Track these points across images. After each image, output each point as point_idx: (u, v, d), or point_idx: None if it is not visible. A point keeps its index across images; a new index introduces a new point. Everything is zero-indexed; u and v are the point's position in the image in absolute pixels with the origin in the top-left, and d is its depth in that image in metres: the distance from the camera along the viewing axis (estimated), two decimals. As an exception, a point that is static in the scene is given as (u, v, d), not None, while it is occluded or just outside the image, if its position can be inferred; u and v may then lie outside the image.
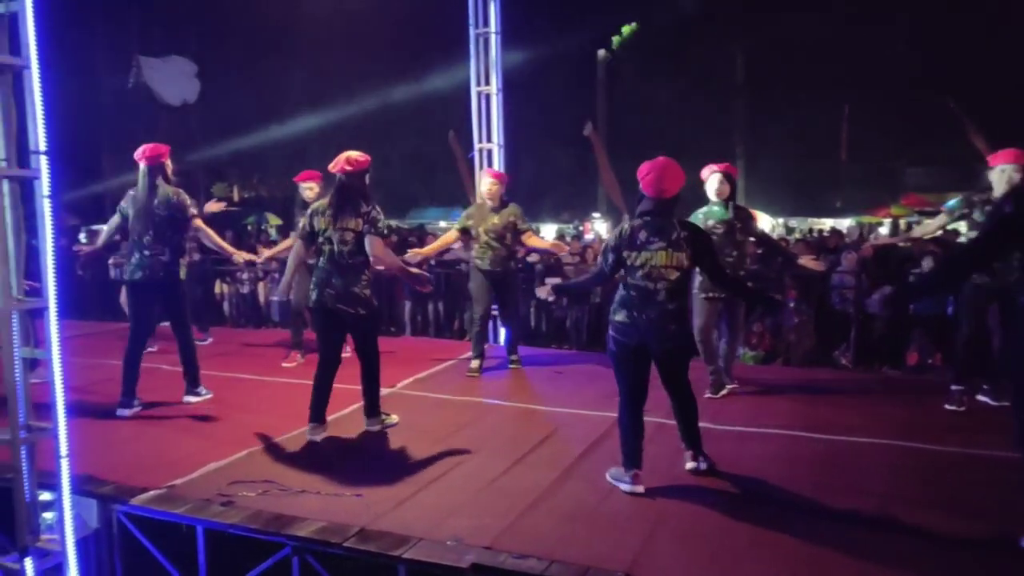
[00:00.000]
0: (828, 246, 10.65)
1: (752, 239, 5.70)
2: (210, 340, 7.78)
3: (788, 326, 8.06)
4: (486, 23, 7.64)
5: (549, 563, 3.03)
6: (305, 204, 6.63)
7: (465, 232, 6.37)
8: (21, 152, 3.44)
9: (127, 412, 5.12)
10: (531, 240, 6.35)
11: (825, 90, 21.51)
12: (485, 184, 6.31)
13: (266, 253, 6.78)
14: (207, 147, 18.73)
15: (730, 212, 5.47)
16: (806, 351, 7.96)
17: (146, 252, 5.17)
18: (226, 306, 10.97)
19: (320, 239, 4.60)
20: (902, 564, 3.06)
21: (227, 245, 5.95)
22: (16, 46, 3.35)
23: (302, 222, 4.76)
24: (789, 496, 3.75)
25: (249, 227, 18.11)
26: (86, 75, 15.61)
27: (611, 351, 3.93)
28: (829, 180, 24.78)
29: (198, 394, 5.46)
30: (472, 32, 7.65)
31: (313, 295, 4.64)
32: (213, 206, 6.66)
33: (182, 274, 5.31)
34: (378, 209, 4.60)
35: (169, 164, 5.33)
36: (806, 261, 5.67)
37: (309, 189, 6.65)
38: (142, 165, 5.24)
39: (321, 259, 4.64)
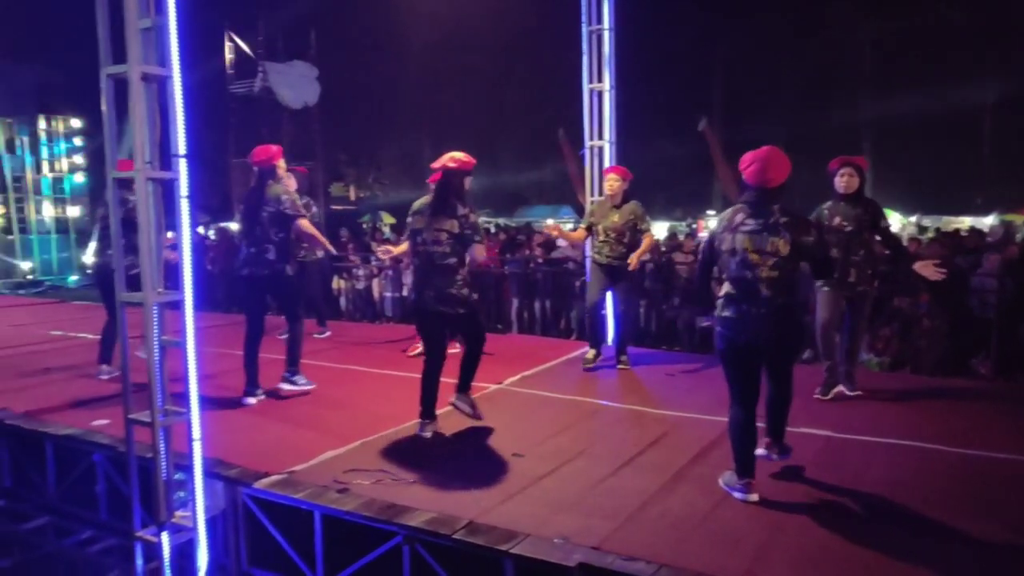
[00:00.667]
0: (966, 246, 9.91)
1: (879, 237, 5.35)
2: (328, 333, 8.09)
3: (919, 331, 7.54)
4: (599, 20, 7.59)
5: (658, 567, 2.96)
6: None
7: (590, 230, 6.38)
8: (162, 156, 3.70)
9: (251, 401, 5.38)
10: (646, 240, 6.26)
11: (963, 78, 20.05)
12: (607, 180, 6.31)
13: (395, 250, 6.90)
14: (326, 149, 19.55)
15: (860, 208, 5.18)
16: (938, 359, 7.42)
17: (252, 249, 5.34)
18: (343, 301, 11.40)
19: (418, 239, 4.61)
20: None
21: (325, 241, 6.12)
22: (161, 57, 3.58)
23: (388, 216, 4.91)
24: (918, 514, 3.50)
25: (364, 226, 18.75)
26: (214, 82, 16.62)
27: (719, 350, 3.77)
28: (969, 175, 23.11)
29: (294, 383, 5.61)
30: (585, 29, 7.61)
31: (413, 297, 4.72)
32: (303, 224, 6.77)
33: (289, 270, 5.44)
34: (476, 212, 4.62)
35: (281, 165, 5.51)
36: (922, 266, 5.10)
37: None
38: (255, 167, 5.50)
39: (416, 259, 4.68)
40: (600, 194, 7.42)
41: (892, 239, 5.43)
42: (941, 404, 5.32)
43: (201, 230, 13.61)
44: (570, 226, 20.49)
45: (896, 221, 19.54)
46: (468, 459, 4.31)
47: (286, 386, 5.61)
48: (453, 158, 4.60)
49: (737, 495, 3.65)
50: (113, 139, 3.67)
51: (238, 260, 5.49)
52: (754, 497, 3.61)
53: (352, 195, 24.52)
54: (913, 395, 5.54)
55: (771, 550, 3.16)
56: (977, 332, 7.40)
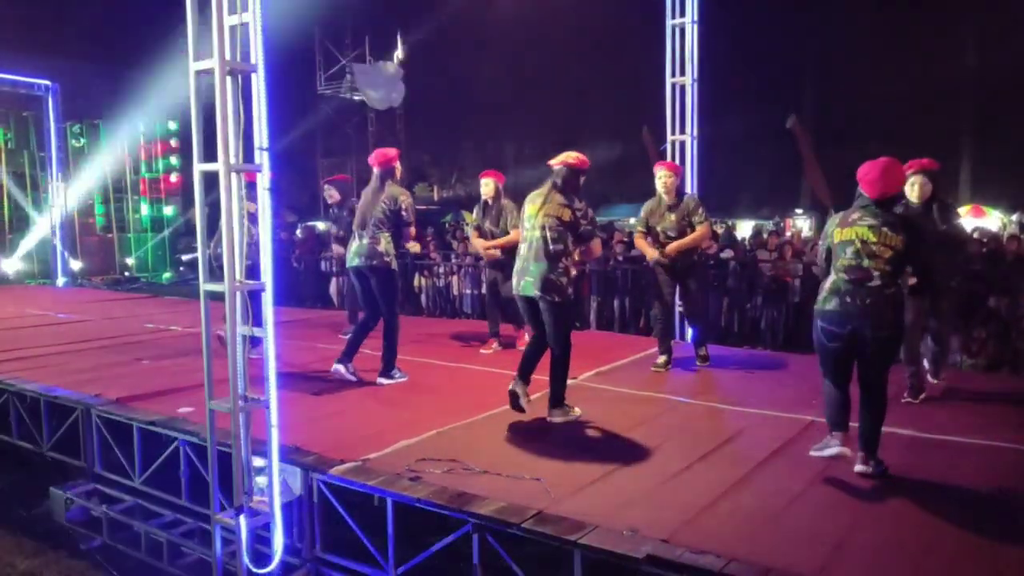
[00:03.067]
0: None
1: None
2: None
3: (1017, 332, 7.12)
4: (683, 13, 7.48)
5: (727, 561, 2.89)
6: (483, 202, 6.84)
7: (649, 231, 6.20)
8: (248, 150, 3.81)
9: (340, 368, 5.74)
10: (697, 230, 6.01)
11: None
12: (659, 177, 6.07)
13: (495, 244, 6.89)
14: (410, 149, 19.91)
15: (934, 214, 4.93)
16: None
17: (364, 240, 5.65)
18: (423, 298, 11.58)
19: (527, 224, 4.78)
20: None
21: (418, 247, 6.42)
22: (246, 52, 3.70)
23: (471, 216, 4.99)
24: (1008, 518, 3.32)
25: (447, 224, 19.00)
26: (304, 83, 17.16)
27: (819, 342, 3.81)
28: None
29: (391, 377, 5.78)
30: (668, 22, 7.52)
31: (513, 281, 4.87)
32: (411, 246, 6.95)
33: (394, 264, 5.72)
34: (588, 208, 4.78)
35: (399, 167, 5.83)
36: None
37: (486, 185, 6.83)
38: (376, 169, 5.76)
39: (523, 246, 4.81)
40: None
41: (949, 230, 5.01)
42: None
43: (299, 232, 14.04)
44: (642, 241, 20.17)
45: (996, 219, 18.46)
46: (540, 452, 4.30)
47: (385, 380, 5.76)
48: (573, 156, 4.79)
49: (829, 451, 3.76)
50: (200, 132, 3.80)
51: (348, 252, 5.80)
52: (848, 451, 3.73)
53: (435, 195, 24.89)
54: (1009, 396, 5.29)
55: (847, 548, 3.06)
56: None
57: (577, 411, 4.88)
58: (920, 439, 4.38)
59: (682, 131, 7.58)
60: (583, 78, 23.81)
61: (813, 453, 3.83)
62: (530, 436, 4.58)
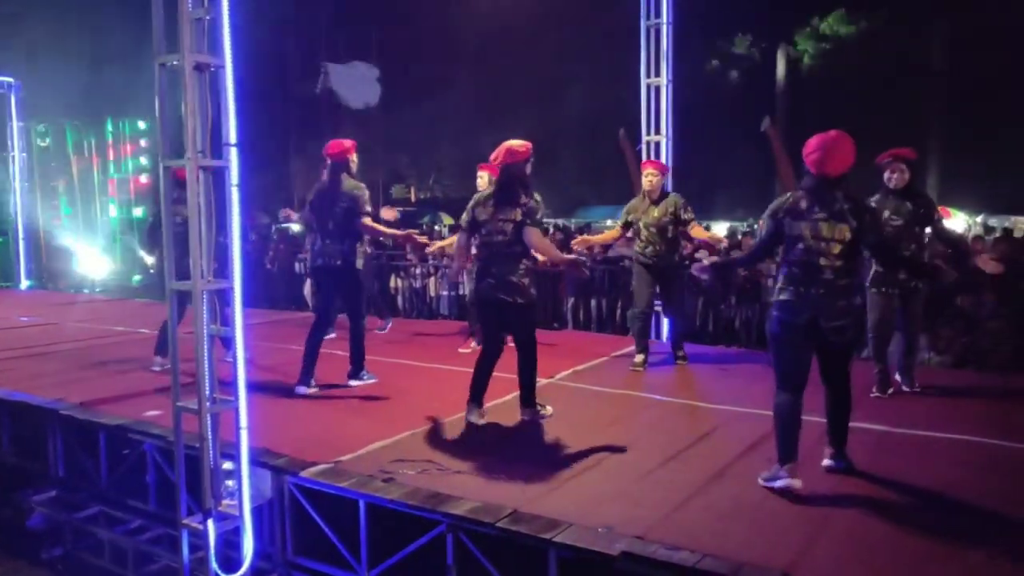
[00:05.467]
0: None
1: (928, 232, 5.21)
2: (390, 326, 8.12)
3: (983, 330, 7.25)
4: (657, 14, 7.51)
5: (701, 556, 2.91)
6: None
7: (628, 227, 6.24)
8: (214, 145, 3.74)
9: (304, 390, 5.43)
10: (695, 231, 6.11)
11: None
12: (645, 175, 6.15)
13: (435, 245, 6.97)
14: (387, 150, 19.80)
15: (910, 202, 5.03)
16: (1004, 358, 7.14)
17: (327, 240, 5.45)
18: (399, 299, 11.50)
19: (483, 230, 4.68)
20: None
21: (391, 230, 6.14)
22: (214, 47, 3.63)
23: (464, 214, 4.85)
24: (974, 509, 3.38)
25: (424, 226, 18.94)
26: (277, 82, 16.99)
27: (773, 332, 3.68)
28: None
29: (361, 378, 5.68)
30: (643, 23, 7.55)
31: (472, 285, 4.75)
32: (387, 213, 6.93)
33: (359, 264, 5.54)
34: (538, 199, 4.60)
35: (354, 159, 5.59)
36: (983, 261, 4.98)
37: (481, 178, 6.77)
38: (329, 160, 5.56)
39: (482, 250, 4.72)
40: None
41: (949, 235, 5.33)
42: (1004, 401, 5.16)
43: (274, 235, 13.88)
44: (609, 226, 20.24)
45: (962, 221, 18.81)
46: (514, 450, 4.29)
47: (355, 383, 5.66)
48: (510, 149, 4.60)
49: (779, 483, 3.54)
50: (166, 129, 3.73)
51: (311, 252, 5.61)
52: (797, 483, 3.50)
53: (413, 196, 24.80)
54: (975, 392, 5.39)
55: (817, 542, 3.09)
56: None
57: (549, 409, 4.85)
58: (890, 434, 4.43)
59: (657, 132, 7.61)
60: (560, 79, 23.86)
61: (762, 483, 3.64)
62: (505, 435, 4.55)
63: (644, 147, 7.70)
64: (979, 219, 20.39)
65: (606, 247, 10.71)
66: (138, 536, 4.48)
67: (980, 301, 7.42)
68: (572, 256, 4.91)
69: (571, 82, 23.80)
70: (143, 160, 17.61)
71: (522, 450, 4.30)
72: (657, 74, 7.57)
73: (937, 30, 21.86)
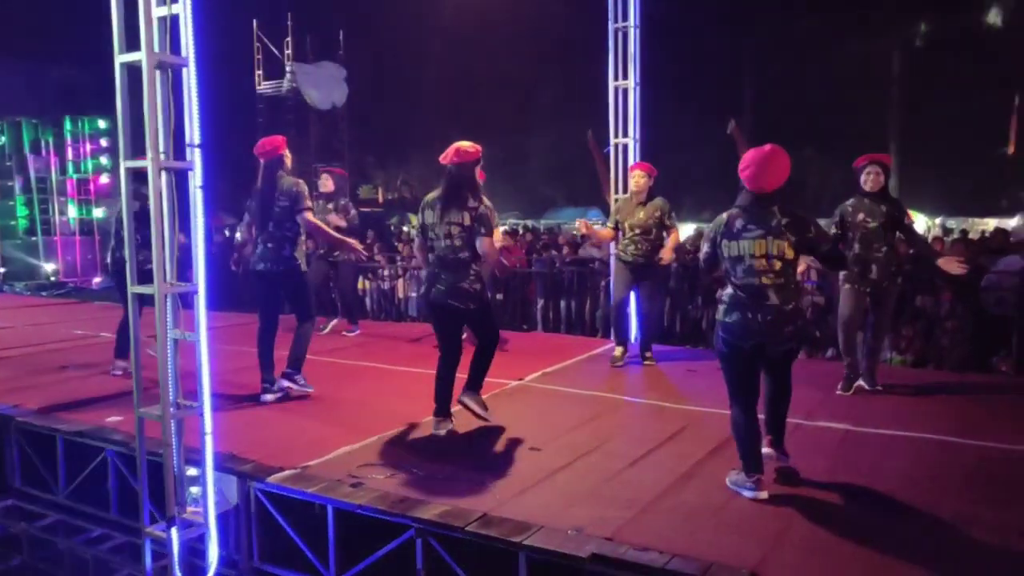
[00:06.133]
0: (990, 247, 9.72)
1: (901, 235, 5.32)
2: (358, 331, 8.06)
3: (942, 330, 7.45)
4: (625, 17, 7.54)
5: (670, 557, 2.93)
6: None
7: (616, 227, 6.30)
8: (178, 146, 3.67)
9: (270, 397, 5.32)
10: (669, 240, 6.17)
11: (991, 82, 19.83)
12: (633, 177, 6.25)
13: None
14: (354, 151, 19.60)
15: (884, 205, 5.16)
16: (961, 357, 7.34)
17: (269, 244, 5.23)
18: (368, 301, 11.42)
19: (430, 234, 4.51)
20: None
21: (333, 233, 5.97)
22: (176, 46, 3.56)
23: (416, 216, 4.74)
24: (934, 505, 3.45)
25: (392, 227, 18.81)
26: (243, 82, 16.74)
27: (721, 352, 3.68)
28: (993, 177, 22.72)
29: (295, 381, 5.41)
30: (611, 26, 7.58)
31: (423, 290, 4.61)
32: (335, 219, 6.82)
33: (303, 265, 5.37)
34: (488, 204, 4.46)
35: (288, 155, 5.37)
36: (945, 262, 5.07)
37: None
38: (262, 160, 5.33)
39: (430, 254, 4.56)
40: (625, 191, 7.36)
41: (916, 238, 5.43)
42: (961, 399, 5.28)
43: (240, 236, 13.65)
44: (598, 226, 20.27)
45: (921, 223, 19.24)
46: (484, 454, 4.27)
47: (284, 382, 5.41)
48: (459, 150, 4.44)
49: (746, 493, 3.55)
50: (127, 129, 3.65)
51: (253, 256, 5.40)
52: (763, 495, 3.52)
53: (380, 197, 24.60)
54: (934, 390, 5.51)
55: (785, 540, 3.12)
56: (999, 331, 7.35)
57: (491, 416, 4.68)
58: (853, 433, 4.50)
59: (624, 134, 7.64)
60: (528, 80, 23.92)
61: (729, 485, 3.64)
62: (474, 439, 4.53)
63: (612, 149, 7.74)
64: (938, 221, 20.88)
65: (577, 247, 10.79)
66: (99, 545, 4.38)
67: (939, 301, 7.60)
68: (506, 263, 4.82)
69: (540, 83, 23.89)
70: (104, 160, 17.22)
71: (492, 453, 4.28)
72: (625, 76, 7.60)
73: (896, 36, 22.33)
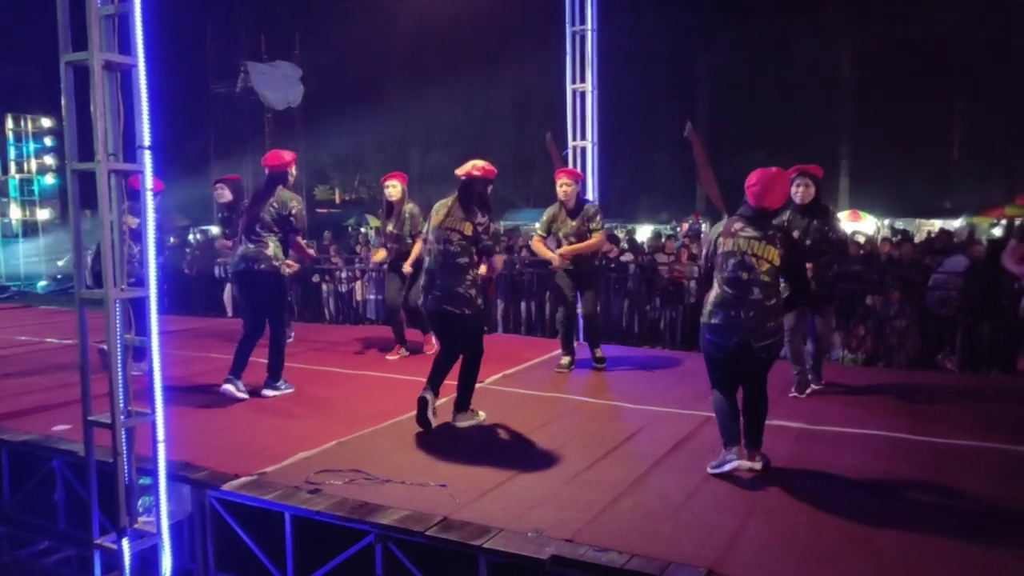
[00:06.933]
0: (934, 247, 10.06)
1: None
2: (291, 337, 7.90)
3: (891, 329, 7.68)
4: (582, 20, 7.59)
5: (630, 557, 2.96)
6: (388, 203, 6.72)
7: (549, 235, 6.27)
8: (127, 148, 3.58)
9: (229, 388, 5.31)
10: (594, 238, 6.07)
11: (936, 87, 20.50)
12: (560, 184, 6.14)
13: (378, 255, 6.85)
14: (311, 150, 19.34)
15: (814, 218, 5.13)
16: (909, 355, 7.57)
17: (251, 244, 5.34)
18: (329, 303, 11.30)
19: (430, 237, 4.70)
20: (1005, 573, 2.89)
21: (311, 251, 6.28)
22: (125, 45, 3.48)
23: (423, 224, 4.91)
24: (884, 498, 3.58)
25: (350, 228, 18.64)
26: (196, 82, 16.44)
27: (705, 351, 3.94)
28: (939, 180, 23.47)
29: (277, 388, 5.51)
30: (568, 29, 7.63)
31: (422, 298, 4.77)
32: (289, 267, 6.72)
33: (283, 269, 5.43)
34: (494, 222, 4.67)
35: (293, 172, 5.54)
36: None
37: (392, 187, 6.70)
38: (267, 171, 5.47)
39: (428, 259, 4.72)
40: (584, 194, 7.39)
41: (836, 237, 5.27)
42: (910, 396, 5.45)
43: (193, 238, 13.38)
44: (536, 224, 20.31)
45: (871, 223, 19.77)
46: (444, 457, 4.24)
47: (270, 392, 5.48)
48: (477, 166, 4.68)
49: (727, 467, 3.78)
50: (73, 131, 3.55)
51: (234, 256, 5.47)
52: (745, 464, 3.79)
53: (337, 197, 24.36)
54: (883, 389, 5.66)
55: (742, 538, 3.18)
56: (944, 330, 7.63)
57: (482, 415, 4.84)
58: (807, 431, 4.61)
59: (583, 137, 7.69)
60: (488, 82, 23.90)
61: (711, 471, 3.83)
62: (434, 442, 4.51)
63: (570, 151, 7.79)
64: (887, 222, 21.44)
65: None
66: (46, 558, 4.26)
67: (888, 301, 7.81)
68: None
69: (499, 85, 23.89)
70: (49, 160, 16.71)
71: (451, 456, 4.26)
72: (583, 79, 7.65)
73: (846, 41, 22.88)
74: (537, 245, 6.33)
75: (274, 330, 5.50)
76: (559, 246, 6.19)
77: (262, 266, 5.32)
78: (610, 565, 2.91)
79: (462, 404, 4.77)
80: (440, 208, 4.72)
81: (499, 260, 4.66)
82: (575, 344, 6.49)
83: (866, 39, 22.09)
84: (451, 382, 4.79)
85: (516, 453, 4.23)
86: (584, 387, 5.82)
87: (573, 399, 5.46)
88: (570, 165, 7.67)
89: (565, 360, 6.29)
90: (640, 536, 3.15)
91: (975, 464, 4.04)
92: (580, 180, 6.25)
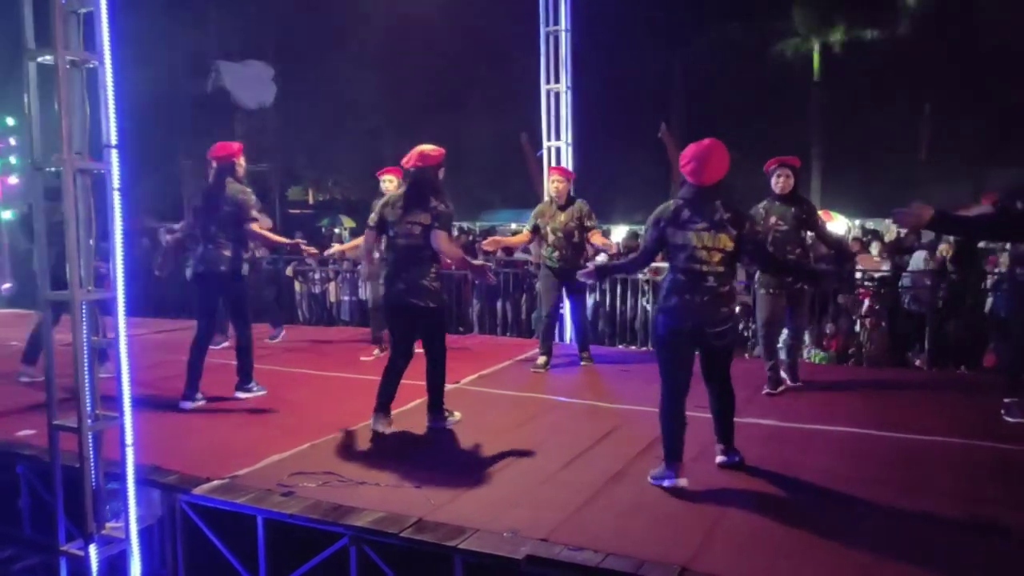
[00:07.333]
0: (903, 247, 10.23)
1: (812, 235, 5.53)
2: (283, 334, 7.88)
3: (861, 327, 7.80)
4: (556, 21, 7.61)
5: (604, 556, 2.97)
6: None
7: (536, 231, 6.32)
8: (93, 147, 3.53)
9: (189, 405, 5.18)
10: (594, 237, 6.22)
11: (905, 90, 20.84)
12: (551, 181, 6.28)
13: (335, 248, 6.86)
14: (284, 151, 19.16)
15: (795, 207, 5.32)
16: (879, 353, 7.69)
17: (210, 245, 5.24)
18: (302, 304, 11.19)
19: (391, 232, 4.62)
20: (970, 564, 2.95)
21: (279, 238, 6.04)
22: (91, 43, 3.42)
23: (373, 213, 4.79)
24: (854, 494, 3.62)
25: (323, 229, 18.49)
26: (166, 80, 16.17)
27: (659, 336, 3.84)
28: (907, 181, 23.87)
29: (249, 390, 5.45)
30: (543, 30, 7.65)
31: (382, 290, 4.69)
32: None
33: (244, 270, 5.35)
34: (448, 204, 4.58)
35: (241, 163, 5.41)
36: (864, 260, 5.43)
37: (389, 182, 6.66)
38: (214, 163, 5.35)
39: (391, 253, 4.66)
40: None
41: (828, 236, 5.68)
42: (879, 393, 5.54)
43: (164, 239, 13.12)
44: (514, 226, 20.31)
45: (842, 224, 20.04)
46: (419, 459, 4.23)
47: (242, 395, 5.42)
48: (421, 153, 4.56)
49: (666, 483, 3.67)
50: (37, 131, 3.48)
51: (193, 257, 5.36)
52: (683, 482, 3.65)
53: (311, 198, 24.14)
54: (854, 386, 5.75)
55: (715, 535, 3.20)
56: (912, 327, 7.74)
57: (457, 415, 4.82)
58: (779, 428, 4.65)
59: (557, 137, 7.71)
60: (463, 82, 23.85)
61: (650, 480, 3.73)
62: (409, 444, 4.50)
63: (545, 152, 7.80)
64: (857, 222, 21.75)
65: (510, 250, 10.81)
66: (10, 566, 4.17)
67: (858, 300, 7.93)
68: (480, 262, 4.87)
69: (475, 86, 23.87)
70: (12, 159, 16.36)
71: (426, 457, 4.25)
72: (557, 80, 7.68)
73: (816, 43, 23.17)
74: (516, 237, 6.42)
75: (240, 333, 5.41)
76: (546, 241, 6.23)
77: (222, 268, 5.22)
78: (585, 564, 2.92)
79: (436, 405, 4.74)
80: (396, 201, 4.61)
81: (439, 236, 4.47)
82: (552, 344, 6.50)
83: (838, 40, 22.39)
84: (418, 383, 4.76)
85: (492, 453, 4.21)
86: (560, 387, 5.82)
87: (549, 399, 5.47)
88: (544, 165, 7.70)
89: (541, 360, 6.31)
90: (615, 535, 3.16)
91: (942, 460, 4.12)
92: (571, 178, 6.31)
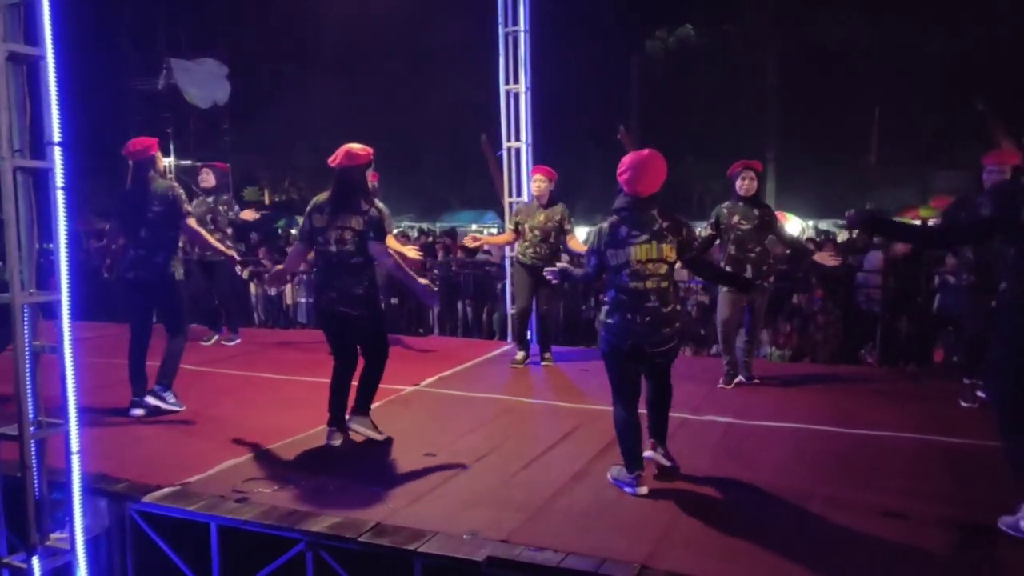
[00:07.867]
0: (856, 247, 10.45)
1: (773, 236, 5.67)
2: (238, 340, 7.71)
3: (815, 325, 7.95)
4: (515, 22, 7.58)
5: (565, 555, 2.97)
6: None
7: (518, 228, 6.33)
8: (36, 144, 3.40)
9: (139, 412, 4.99)
10: (572, 242, 6.21)
11: (855, 94, 21.36)
12: (534, 181, 6.30)
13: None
14: (238, 150, 18.81)
15: (757, 209, 5.48)
16: (833, 350, 7.86)
17: (140, 251, 4.94)
18: (255, 307, 10.98)
19: (319, 239, 4.30)
20: (922, 556, 3.01)
21: (220, 245, 5.79)
22: (32, 36, 3.30)
23: (302, 220, 4.51)
24: (809, 489, 3.68)
25: (279, 230, 18.22)
26: (115, 78, 15.77)
27: (603, 351, 3.79)
28: (859, 183, 24.44)
29: (163, 399, 5.06)
30: (501, 31, 7.60)
31: (315, 297, 4.47)
32: (248, 215, 6.57)
33: (178, 274, 5.07)
34: (380, 208, 4.34)
35: (159, 157, 5.10)
36: (821, 257, 5.67)
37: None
38: (130, 161, 5.01)
39: (320, 260, 4.36)
40: (519, 194, 7.42)
41: (788, 237, 5.90)
42: (832, 390, 5.64)
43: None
44: (495, 230, 20.31)
45: (796, 225, 20.43)
46: (378, 462, 4.18)
47: (152, 400, 5.02)
48: (348, 152, 4.26)
49: (627, 489, 3.64)
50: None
51: (123, 263, 5.06)
52: (644, 490, 3.61)
53: (267, 199, 23.78)
54: (808, 383, 5.86)
55: (673, 533, 3.22)
56: (865, 325, 7.90)
57: (382, 435, 4.47)
58: (735, 425, 4.70)
59: (517, 138, 7.69)
60: (421, 83, 23.74)
61: (610, 479, 3.73)
62: (365, 447, 4.42)
63: (505, 153, 7.78)
64: (811, 223, 22.20)
65: (472, 251, 10.76)
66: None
67: (812, 299, 8.07)
68: (425, 281, 4.57)
69: (432, 86, 23.77)
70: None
71: (385, 461, 4.19)
72: (516, 81, 7.65)
73: (771, 46, 23.59)
74: (501, 236, 6.57)
75: (172, 339, 5.11)
76: (525, 239, 6.23)
77: (153, 275, 4.93)
78: (545, 564, 2.91)
79: (362, 407, 4.48)
80: (322, 204, 4.30)
81: (375, 247, 4.23)
82: (527, 338, 6.55)
83: (791, 46, 22.81)
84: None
85: (451, 455, 4.17)
86: (521, 387, 5.82)
87: (510, 399, 5.45)
88: (504, 166, 7.67)
89: (520, 355, 6.38)
90: (575, 534, 3.16)
91: (893, 454, 4.20)
92: (554, 179, 6.31)
